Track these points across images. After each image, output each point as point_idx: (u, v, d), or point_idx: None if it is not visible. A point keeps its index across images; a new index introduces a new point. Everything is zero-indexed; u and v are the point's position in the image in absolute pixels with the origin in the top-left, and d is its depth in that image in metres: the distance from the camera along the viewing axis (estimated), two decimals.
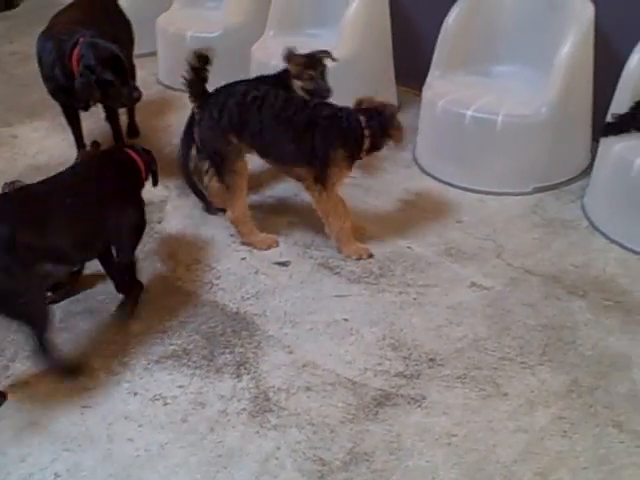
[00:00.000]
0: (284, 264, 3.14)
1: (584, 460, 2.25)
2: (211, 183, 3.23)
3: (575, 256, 3.15)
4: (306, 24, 4.43)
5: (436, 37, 3.80)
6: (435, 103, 3.64)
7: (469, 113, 3.51)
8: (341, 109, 3.04)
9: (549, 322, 2.78)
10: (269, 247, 3.23)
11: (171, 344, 2.72)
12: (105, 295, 2.94)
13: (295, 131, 3.02)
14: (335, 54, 3.44)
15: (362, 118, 3.01)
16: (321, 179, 3.03)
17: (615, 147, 3.22)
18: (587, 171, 3.65)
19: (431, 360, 2.63)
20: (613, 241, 3.22)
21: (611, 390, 2.49)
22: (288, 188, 3.60)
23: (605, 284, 2.98)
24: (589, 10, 3.54)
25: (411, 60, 4.34)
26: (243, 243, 3.25)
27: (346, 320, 2.82)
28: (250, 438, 2.34)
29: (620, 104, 3.31)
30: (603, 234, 3.27)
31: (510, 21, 3.84)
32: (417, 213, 3.43)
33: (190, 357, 2.66)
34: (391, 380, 2.55)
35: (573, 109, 3.58)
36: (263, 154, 3.16)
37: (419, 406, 2.44)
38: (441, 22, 3.79)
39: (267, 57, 4.04)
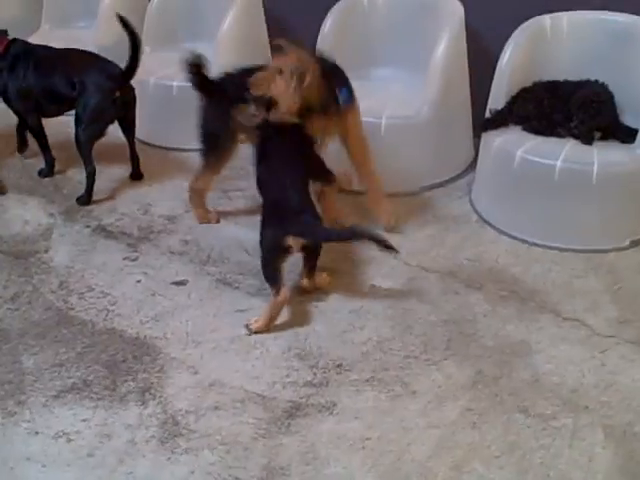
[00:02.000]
0: (181, 283, 3.08)
1: (495, 449, 2.29)
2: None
3: (468, 250, 3.22)
4: (182, 38, 4.38)
5: (314, 45, 3.82)
6: None
7: None
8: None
9: (450, 317, 2.83)
10: (203, 221, 3.47)
11: (69, 377, 2.61)
12: None
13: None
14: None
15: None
16: None
17: (496, 141, 3.32)
18: (472, 166, 3.75)
19: (338, 366, 2.62)
20: (502, 232, 3.31)
21: (514, 377, 2.55)
22: (178, 205, 3.54)
23: (499, 275, 3.06)
24: (459, 10, 3.65)
25: None
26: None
27: (249, 334, 2.78)
28: (162, 465, 2.27)
29: (497, 99, 3.42)
30: (492, 226, 3.36)
31: (385, 25, 3.91)
32: None
33: (91, 388, 2.56)
34: (300, 390, 2.52)
35: (453, 107, 3.67)
36: None
37: (330, 413, 2.43)
38: (318, 30, 3.82)
39: (145, 74, 3.94)
